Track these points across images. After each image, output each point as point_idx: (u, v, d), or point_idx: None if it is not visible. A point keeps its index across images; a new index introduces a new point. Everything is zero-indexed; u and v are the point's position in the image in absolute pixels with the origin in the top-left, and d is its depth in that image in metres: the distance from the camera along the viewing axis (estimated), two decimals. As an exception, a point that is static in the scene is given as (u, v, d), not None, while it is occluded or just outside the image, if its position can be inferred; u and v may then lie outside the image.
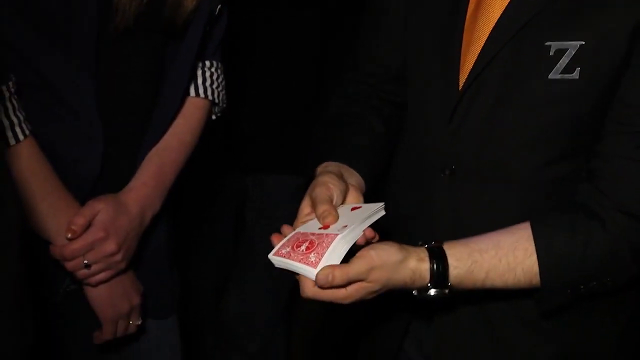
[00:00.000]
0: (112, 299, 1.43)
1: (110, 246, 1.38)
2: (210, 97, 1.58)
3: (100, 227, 1.37)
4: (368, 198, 1.23)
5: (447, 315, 1.32)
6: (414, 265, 1.13)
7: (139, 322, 1.50)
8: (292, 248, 1.10)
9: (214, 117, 1.64)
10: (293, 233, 1.14)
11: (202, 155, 1.60)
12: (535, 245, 1.16)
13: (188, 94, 1.55)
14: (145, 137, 1.48)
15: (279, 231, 1.17)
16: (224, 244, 2.51)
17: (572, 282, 1.17)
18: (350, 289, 1.09)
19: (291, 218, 1.19)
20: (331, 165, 1.25)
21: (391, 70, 1.41)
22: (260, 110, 2.29)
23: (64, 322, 1.47)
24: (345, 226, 1.10)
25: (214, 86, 1.58)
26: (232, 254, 2.50)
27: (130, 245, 1.42)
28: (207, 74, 1.57)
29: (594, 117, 1.17)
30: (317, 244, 1.08)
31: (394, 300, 1.25)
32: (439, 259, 1.14)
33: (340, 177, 1.20)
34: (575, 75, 1.14)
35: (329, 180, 1.17)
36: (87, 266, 1.37)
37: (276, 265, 1.12)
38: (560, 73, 1.14)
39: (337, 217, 1.12)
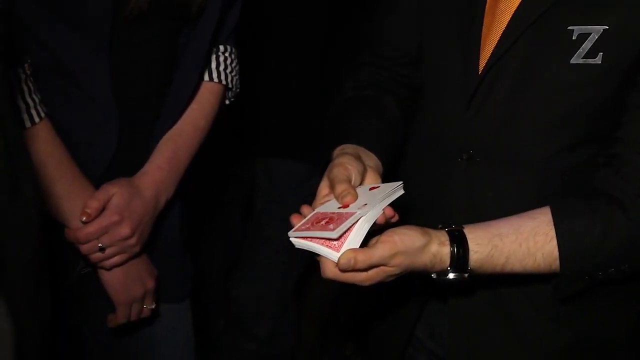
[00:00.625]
0: (127, 283, 1.43)
1: (124, 230, 1.38)
2: (224, 82, 1.57)
3: (115, 211, 1.37)
4: (384, 181, 1.22)
5: (460, 302, 1.32)
6: (435, 249, 1.12)
7: (153, 306, 1.51)
8: (312, 224, 1.09)
9: (227, 102, 1.64)
10: (313, 213, 1.12)
11: (212, 142, 1.59)
12: (556, 230, 1.15)
13: (202, 78, 1.54)
14: (159, 122, 1.48)
15: (287, 217, 1.16)
16: (233, 229, 2.52)
17: (591, 268, 1.17)
18: (371, 272, 1.09)
19: (300, 204, 1.18)
20: (348, 147, 1.24)
21: (407, 54, 1.40)
22: (270, 97, 2.28)
23: (78, 305, 1.48)
24: (365, 204, 1.08)
25: (228, 71, 1.58)
26: (241, 240, 2.51)
27: (144, 229, 1.43)
28: (221, 58, 1.57)
29: (614, 103, 1.16)
30: (337, 219, 1.07)
31: (407, 286, 1.24)
32: (459, 243, 1.13)
33: (358, 158, 1.19)
34: (598, 60, 1.12)
35: (347, 162, 1.16)
36: (102, 249, 1.38)
37: (296, 246, 1.11)
38: (583, 58, 1.13)
39: (356, 196, 1.11)
